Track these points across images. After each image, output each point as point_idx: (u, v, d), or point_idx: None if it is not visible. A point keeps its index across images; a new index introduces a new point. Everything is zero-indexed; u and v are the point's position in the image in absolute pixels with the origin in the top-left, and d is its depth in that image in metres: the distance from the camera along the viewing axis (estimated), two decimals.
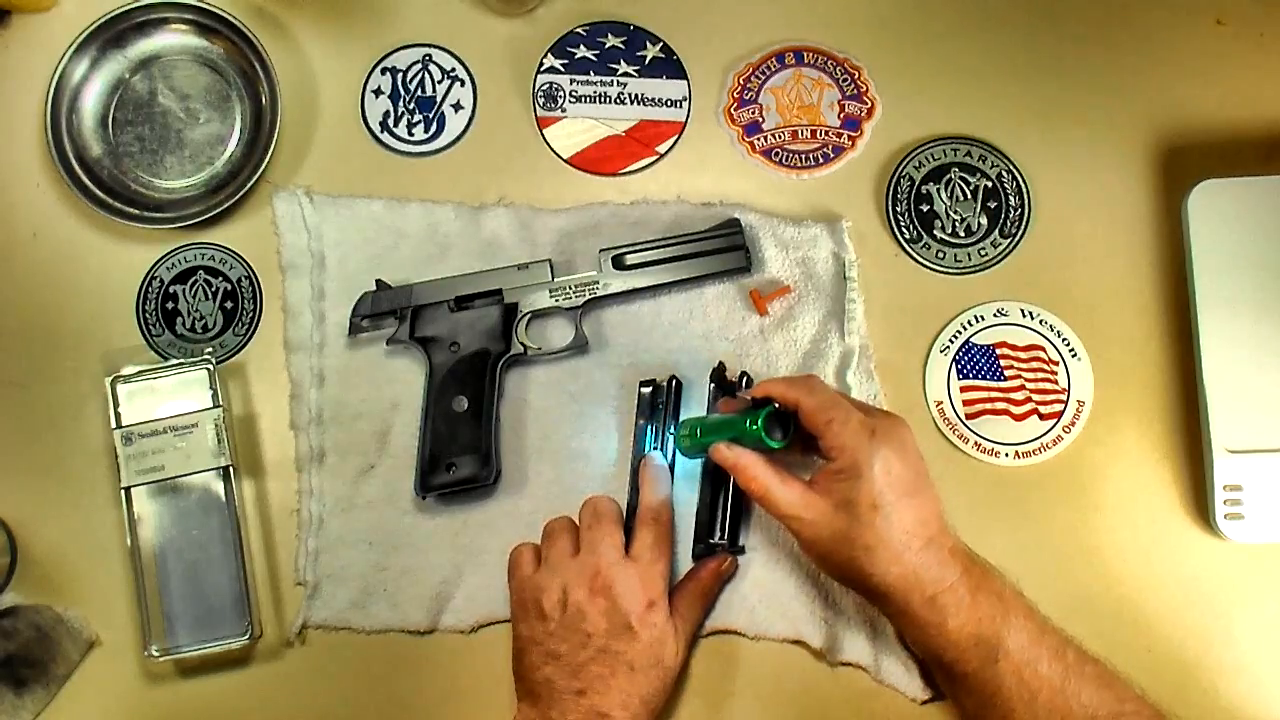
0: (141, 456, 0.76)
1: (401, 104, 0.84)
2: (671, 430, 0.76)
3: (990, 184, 0.80)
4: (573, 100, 0.83)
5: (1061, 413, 0.77)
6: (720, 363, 0.77)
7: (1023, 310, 0.79)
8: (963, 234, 0.80)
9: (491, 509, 0.78)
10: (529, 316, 0.79)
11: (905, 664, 0.73)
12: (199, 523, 0.78)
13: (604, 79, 0.83)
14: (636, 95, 0.83)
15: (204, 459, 0.77)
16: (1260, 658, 0.74)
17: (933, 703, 0.73)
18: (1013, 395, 0.78)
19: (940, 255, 0.80)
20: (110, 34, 0.83)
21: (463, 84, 0.84)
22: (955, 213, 0.80)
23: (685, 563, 0.76)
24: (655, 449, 0.76)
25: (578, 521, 0.74)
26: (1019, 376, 0.78)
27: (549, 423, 0.79)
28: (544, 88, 0.83)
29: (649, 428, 0.77)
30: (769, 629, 0.75)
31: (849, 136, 0.81)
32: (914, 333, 0.79)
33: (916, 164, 0.81)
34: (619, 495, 0.77)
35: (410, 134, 0.83)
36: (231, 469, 0.78)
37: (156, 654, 0.76)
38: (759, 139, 0.82)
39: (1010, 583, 0.67)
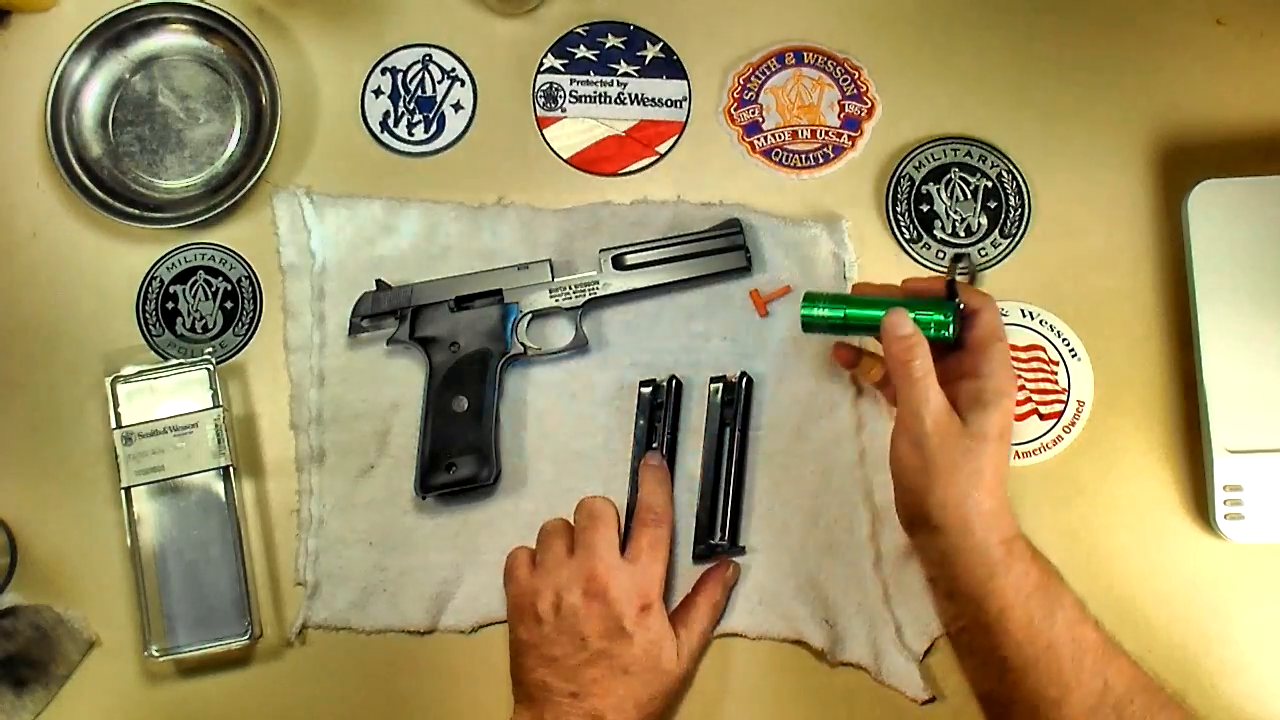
0: (141, 456, 0.76)
1: (401, 104, 0.84)
2: (813, 302, 0.71)
3: (990, 184, 0.80)
4: (573, 100, 0.83)
5: (1061, 413, 0.77)
6: (959, 254, 0.76)
7: (1023, 310, 0.79)
8: (963, 234, 0.80)
9: (491, 509, 0.78)
10: (529, 316, 0.79)
11: (905, 664, 0.73)
12: (199, 523, 0.78)
13: (604, 79, 0.83)
14: (636, 95, 0.83)
15: (204, 459, 0.77)
16: (1260, 658, 0.74)
17: (933, 703, 0.73)
18: None
19: (940, 255, 0.80)
20: (110, 34, 0.83)
21: (463, 84, 0.84)
22: (955, 213, 0.80)
23: (686, 564, 0.76)
24: (655, 448, 0.76)
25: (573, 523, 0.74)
26: (1019, 376, 0.78)
27: (549, 423, 0.79)
28: (544, 88, 0.83)
29: (649, 428, 0.77)
30: (769, 629, 0.75)
31: (849, 136, 0.81)
32: None
33: (916, 164, 0.81)
34: (619, 496, 0.77)
35: (410, 134, 0.83)
36: (231, 469, 0.78)
37: (156, 654, 0.76)
38: (759, 139, 0.82)
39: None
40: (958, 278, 0.69)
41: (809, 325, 0.71)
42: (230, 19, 0.82)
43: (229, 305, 0.82)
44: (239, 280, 0.82)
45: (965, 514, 0.63)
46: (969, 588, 0.64)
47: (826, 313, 0.70)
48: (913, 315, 0.67)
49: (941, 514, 0.64)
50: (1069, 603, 0.63)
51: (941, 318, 0.67)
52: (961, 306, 0.68)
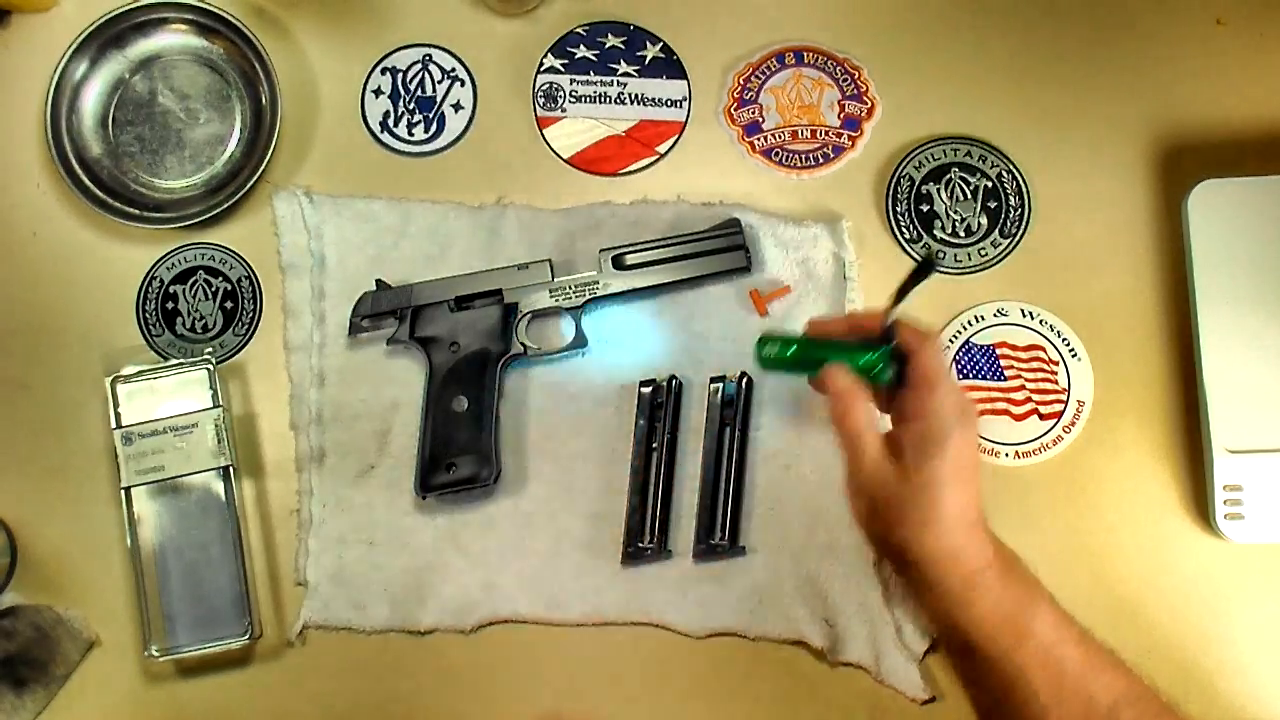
0: (141, 456, 0.76)
1: (401, 104, 0.84)
2: (761, 342, 0.69)
3: (990, 184, 0.80)
4: (573, 100, 0.83)
5: (1061, 413, 0.77)
6: (928, 257, 0.70)
7: (1023, 310, 0.79)
8: (963, 234, 0.80)
9: (491, 509, 0.78)
10: (529, 316, 0.79)
11: (905, 664, 0.73)
12: (199, 523, 0.78)
13: (604, 79, 0.83)
14: (636, 95, 0.83)
15: (204, 459, 0.77)
16: (1260, 658, 0.74)
17: (933, 703, 0.73)
18: (1013, 395, 0.78)
19: (940, 255, 0.80)
20: (110, 34, 0.83)
21: (463, 84, 0.84)
22: (955, 213, 0.80)
23: (687, 564, 0.76)
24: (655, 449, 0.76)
25: None
26: (1019, 376, 0.78)
27: (549, 423, 0.79)
28: (544, 88, 0.83)
29: (649, 428, 0.77)
30: (769, 629, 0.75)
31: (849, 136, 0.81)
32: None
33: (916, 164, 0.81)
34: (619, 496, 0.77)
35: (410, 134, 0.83)
36: (231, 469, 0.78)
37: (156, 654, 0.76)
38: (759, 139, 0.82)
39: (1032, 571, 0.66)
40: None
41: (764, 364, 0.69)
42: (230, 19, 0.82)
43: (229, 305, 0.82)
44: (239, 280, 0.82)
45: (918, 557, 0.63)
46: (935, 618, 0.65)
47: (778, 353, 0.68)
48: (849, 358, 0.65)
49: (896, 556, 0.65)
50: (1045, 625, 0.62)
51: (874, 360, 0.65)
52: (894, 345, 0.65)
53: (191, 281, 0.82)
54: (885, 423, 0.67)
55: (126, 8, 0.83)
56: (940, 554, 0.62)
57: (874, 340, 0.65)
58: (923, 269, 0.64)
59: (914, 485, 0.62)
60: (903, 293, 0.65)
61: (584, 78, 0.83)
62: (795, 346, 0.68)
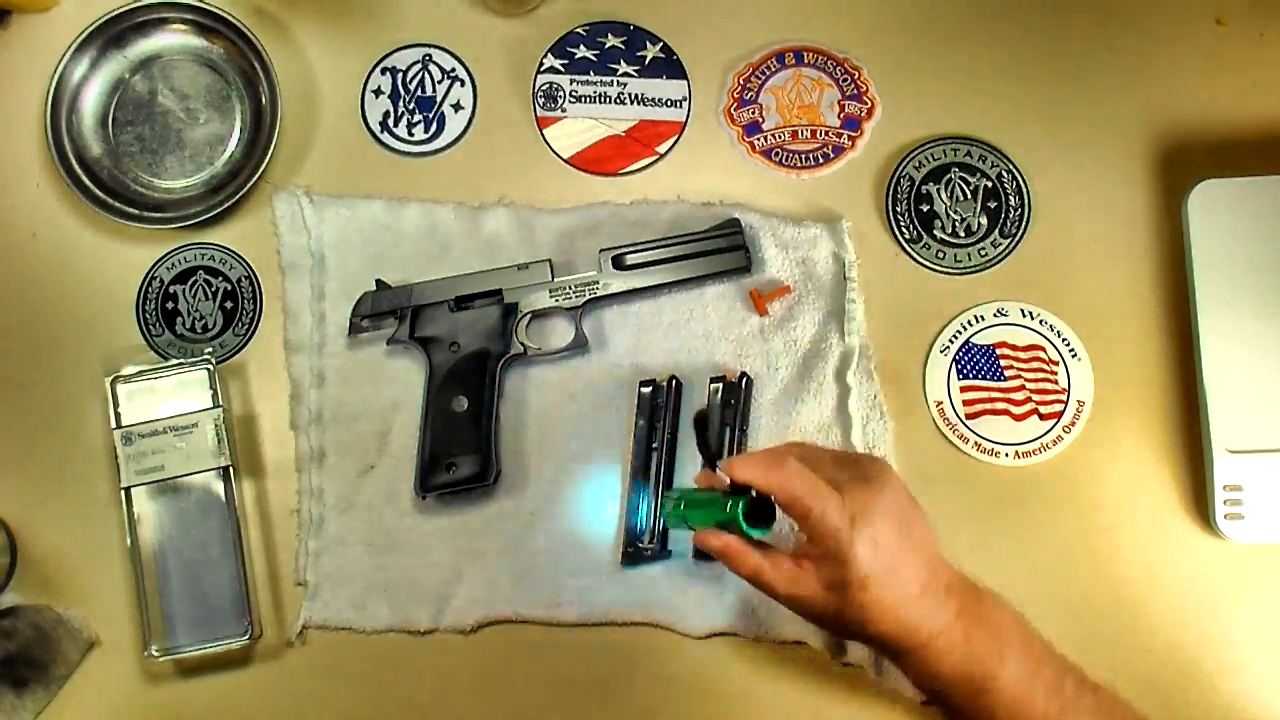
0: (141, 456, 0.76)
1: (401, 104, 0.84)
2: (663, 501, 0.72)
3: (990, 184, 0.80)
4: (573, 100, 0.83)
5: (1061, 413, 0.77)
6: (701, 412, 0.71)
7: (1023, 310, 0.79)
8: (963, 234, 0.80)
9: (491, 509, 0.78)
10: (529, 316, 0.79)
11: None
12: (199, 523, 0.78)
13: (604, 79, 0.83)
14: (636, 95, 0.83)
15: (204, 459, 0.77)
16: (1260, 658, 0.74)
17: (933, 704, 0.73)
18: (1013, 395, 0.78)
19: (940, 255, 0.80)
20: (110, 34, 0.83)
21: (463, 84, 0.84)
22: (955, 213, 0.80)
23: (688, 564, 0.76)
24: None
25: None
26: (1019, 376, 0.78)
27: (549, 423, 0.79)
28: (544, 88, 0.83)
29: (649, 428, 0.77)
30: (769, 629, 0.75)
31: (849, 136, 0.81)
32: (914, 333, 0.79)
33: (916, 164, 0.81)
34: (618, 496, 0.77)
35: (410, 134, 0.83)
36: (231, 469, 0.78)
37: (156, 654, 0.76)
38: (759, 139, 0.82)
39: (1011, 612, 0.63)
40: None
41: (671, 525, 0.71)
42: (230, 19, 0.82)
43: (229, 305, 0.82)
44: (239, 280, 0.82)
45: (870, 640, 0.63)
46: (902, 671, 0.64)
47: (671, 511, 0.69)
48: (718, 517, 0.63)
49: (862, 641, 0.64)
50: (1013, 676, 0.61)
51: (729, 513, 0.62)
52: (749, 492, 0.62)
53: (191, 281, 0.82)
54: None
55: (126, 8, 0.83)
56: (890, 632, 0.61)
57: (732, 491, 0.63)
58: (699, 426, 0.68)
59: (840, 594, 0.61)
60: (705, 451, 0.68)
61: (584, 78, 0.83)
62: (676, 509, 0.68)
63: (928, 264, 0.80)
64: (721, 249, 0.78)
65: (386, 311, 0.79)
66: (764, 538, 0.63)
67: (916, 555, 0.62)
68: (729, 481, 0.64)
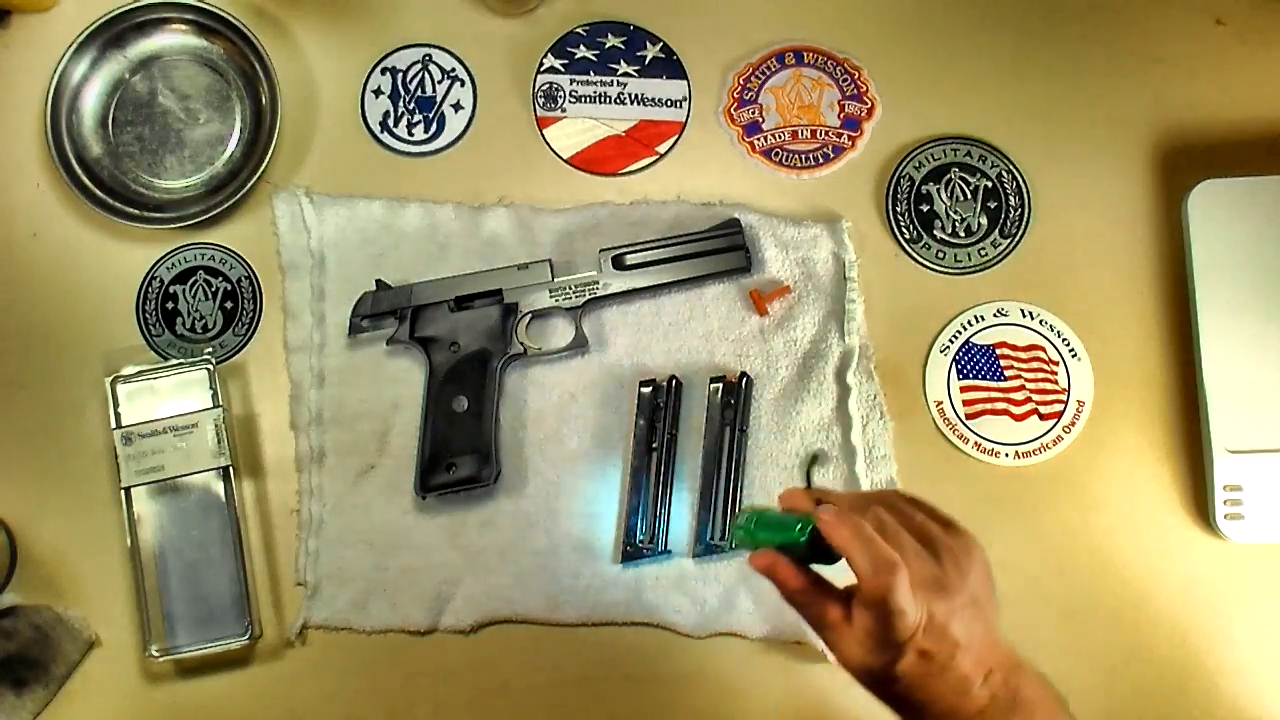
0: (141, 457, 0.76)
1: (401, 104, 0.84)
2: (735, 517, 0.70)
3: (990, 184, 0.80)
4: (573, 100, 0.83)
5: (1061, 413, 0.77)
6: (816, 453, 0.72)
7: (1023, 310, 0.79)
8: (963, 234, 0.80)
9: (491, 509, 0.78)
10: (529, 316, 0.79)
11: None
12: (199, 523, 0.78)
13: (604, 79, 0.83)
14: (636, 95, 0.83)
15: (204, 459, 0.77)
16: (1260, 658, 0.74)
17: None
18: (1013, 395, 0.78)
19: (940, 255, 0.80)
20: (110, 34, 0.83)
21: (463, 84, 0.84)
22: (955, 213, 0.80)
23: (687, 564, 0.76)
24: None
25: None
26: (1019, 376, 0.78)
27: (549, 423, 0.79)
28: (544, 88, 0.83)
29: (649, 428, 0.77)
30: (769, 629, 0.75)
31: (849, 136, 0.81)
32: (914, 333, 0.79)
33: (916, 164, 0.81)
34: (618, 496, 0.77)
35: (410, 134, 0.83)
36: (231, 469, 0.78)
37: (156, 654, 0.76)
38: (759, 139, 0.82)
39: (1045, 690, 0.60)
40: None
41: (739, 546, 0.64)
42: (230, 19, 0.82)
43: (229, 305, 0.82)
44: (239, 280, 0.82)
45: (904, 713, 0.60)
46: None
47: (742, 527, 0.62)
48: (782, 539, 0.58)
49: (896, 708, 0.62)
50: None
51: (796, 538, 0.58)
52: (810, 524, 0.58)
53: (191, 281, 0.82)
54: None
55: (126, 8, 0.83)
56: (934, 709, 0.59)
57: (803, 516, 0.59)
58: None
59: (890, 656, 0.58)
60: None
61: (584, 78, 0.83)
62: (745, 528, 0.62)
63: (928, 264, 0.80)
64: (721, 249, 0.78)
65: (386, 311, 0.79)
66: (828, 565, 0.58)
67: (984, 645, 0.59)
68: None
